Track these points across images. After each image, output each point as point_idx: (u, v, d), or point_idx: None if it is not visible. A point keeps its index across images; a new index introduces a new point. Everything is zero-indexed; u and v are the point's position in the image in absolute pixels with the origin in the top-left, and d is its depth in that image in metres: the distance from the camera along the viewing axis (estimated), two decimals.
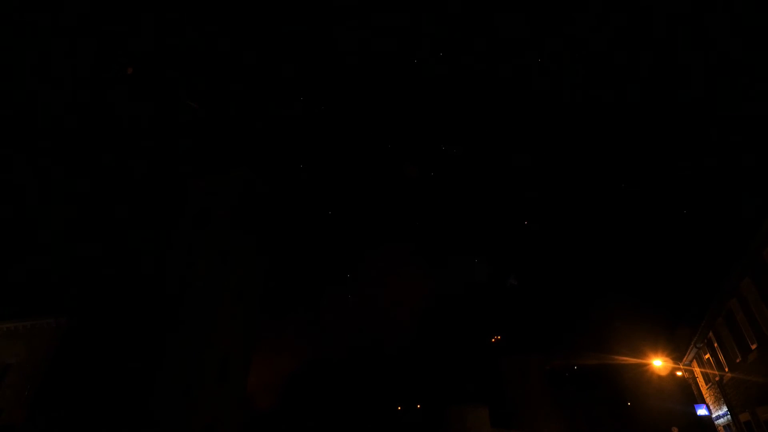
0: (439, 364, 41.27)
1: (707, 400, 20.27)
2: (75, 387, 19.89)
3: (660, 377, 30.45)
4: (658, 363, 21.75)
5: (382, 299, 41.91)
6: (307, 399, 34.59)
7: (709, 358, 17.77)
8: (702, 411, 20.71)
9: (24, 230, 33.80)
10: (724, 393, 16.23)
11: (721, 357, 15.61)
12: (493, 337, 45.11)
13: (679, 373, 24.55)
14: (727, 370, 15.16)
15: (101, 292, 23.89)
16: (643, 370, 31.57)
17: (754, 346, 11.97)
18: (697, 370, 21.03)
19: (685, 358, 21.09)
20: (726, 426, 16.99)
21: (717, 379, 16.96)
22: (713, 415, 19.40)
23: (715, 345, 15.86)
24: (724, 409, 16.55)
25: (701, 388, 21.13)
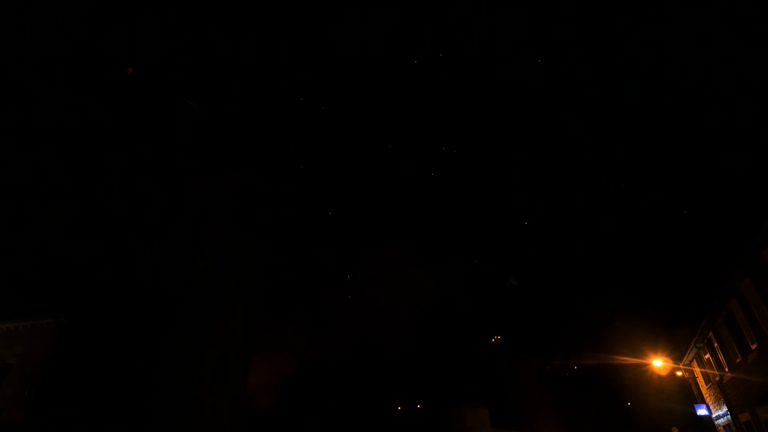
0: (439, 364, 41.32)
1: (707, 400, 20.27)
2: (75, 387, 19.89)
3: (660, 377, 30.45)
4: (658, 363, 21.76)
5: (382, 299, 41.96)
6: (307, 399, 34.60)
7: (709, 358, 17.77)
8: (702, 411, 20.72)
9: (24, 230, 33.83)
10: (724, 393, 16.23)
11: (721, 357, 15.61)
12: (493, 337, 45.16)
13: (679, 373, 24.55)
14: (727, 370, 15.16)
15: (101, 292, 23.89)
16: (643, 370, 31.57)
17: (754, 346, 11.97)
18: (697, 370, 21.04)
19: (685, 358, 21.10)
20: (726, 426, 16.99)
21: (717, 379, 16.96)
22: (713, 415, 19.41)
23: (715, 345, 15.87)
24: (724, 409, 16.55)
25: (701, 388, 21.13)
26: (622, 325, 33.51)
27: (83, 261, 28.74)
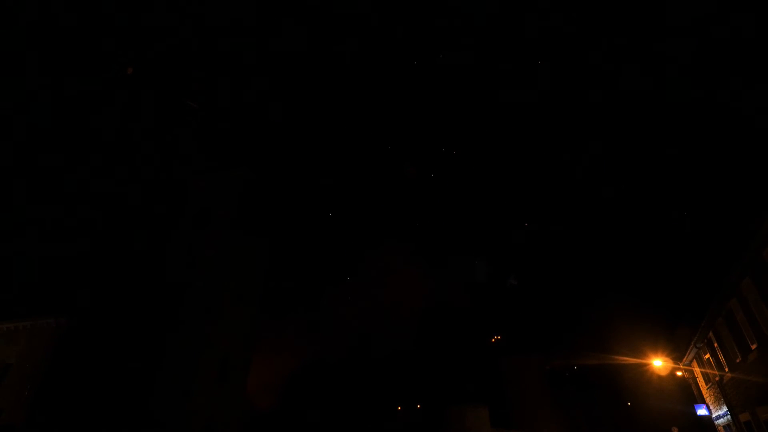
0: (439, 364, 41.33)
1: (707, 400, 20.29)
2: (75, 387, 19.90)
3: (660, 377, 30.47)
4: (658, 363, 21.78)
5: (382, 299, 41.94)
6: (307, 399, 34.62)
7: (709, 358, 17.78)
8: (702, 411, 20.74)
9: (24, 230, 33.83)
10: (724, 393, 16.24)
11: (721, 357, 15.62)
12: (493, 337, 45.19)
13: (679, 373, 24.58)
14: (727, 370, 15.17)
15: (101, 292, 23.91)
16: (643, 370, 31.59)
17: (754, 346, 11.98)
18: (697, 370, 21.06)
19: (685, 358, 21.11)
20: (726, 426, 17.00)
21: (717, 379, 16.97)
22: (713, 415, 19.42)
23: (715, 345, 15.87)
24: (724, 409, 16.56)
25: (701, 388, 21.15)
26: (622, 325, 33.54)
27: (83, 261, 28.71)
